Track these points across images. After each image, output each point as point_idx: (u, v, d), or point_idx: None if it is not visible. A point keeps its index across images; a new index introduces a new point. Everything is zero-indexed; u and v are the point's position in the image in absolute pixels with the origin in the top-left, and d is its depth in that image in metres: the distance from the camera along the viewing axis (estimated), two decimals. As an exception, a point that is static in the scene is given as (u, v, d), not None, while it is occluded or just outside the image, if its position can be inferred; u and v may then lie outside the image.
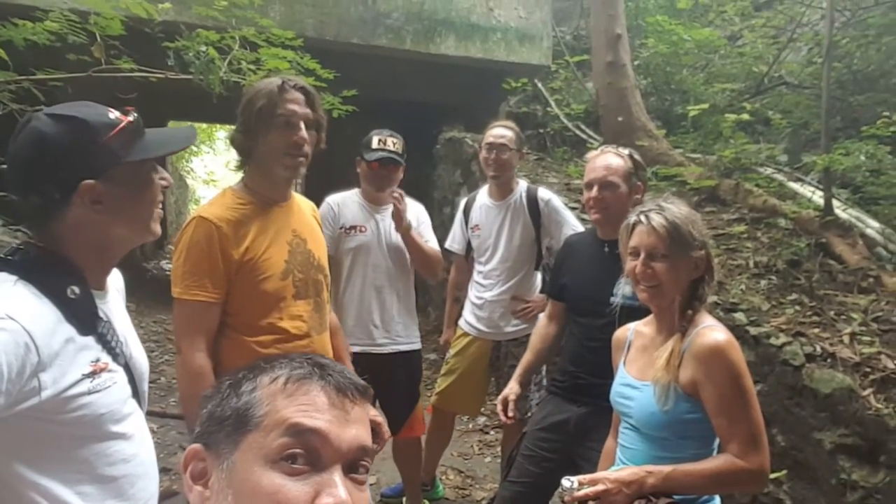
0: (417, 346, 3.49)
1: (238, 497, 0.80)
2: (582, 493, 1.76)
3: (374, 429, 2.43)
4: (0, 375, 1.12)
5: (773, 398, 3.20)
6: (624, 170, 2.58)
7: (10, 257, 1.29)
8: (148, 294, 7.99)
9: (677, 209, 1.95)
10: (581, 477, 1.80)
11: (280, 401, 0.84)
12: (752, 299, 3.65)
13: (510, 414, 2.64)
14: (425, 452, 3.72)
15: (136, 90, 3.39)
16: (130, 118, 1.37)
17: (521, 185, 3.61)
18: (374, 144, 3.28)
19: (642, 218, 1.94)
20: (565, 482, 1.78)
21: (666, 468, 1.79)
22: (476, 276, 3.68)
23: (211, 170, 18.27)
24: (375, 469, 4.09)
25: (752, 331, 3.37)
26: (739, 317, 3.46)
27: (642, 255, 1.92)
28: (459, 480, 4.15)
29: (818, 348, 3.22)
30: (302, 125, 2.11)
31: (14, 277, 1.25)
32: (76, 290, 1.31)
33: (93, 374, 1.29)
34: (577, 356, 2.65)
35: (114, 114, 1.36)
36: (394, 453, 3.63)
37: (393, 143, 3.29)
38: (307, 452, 0.81)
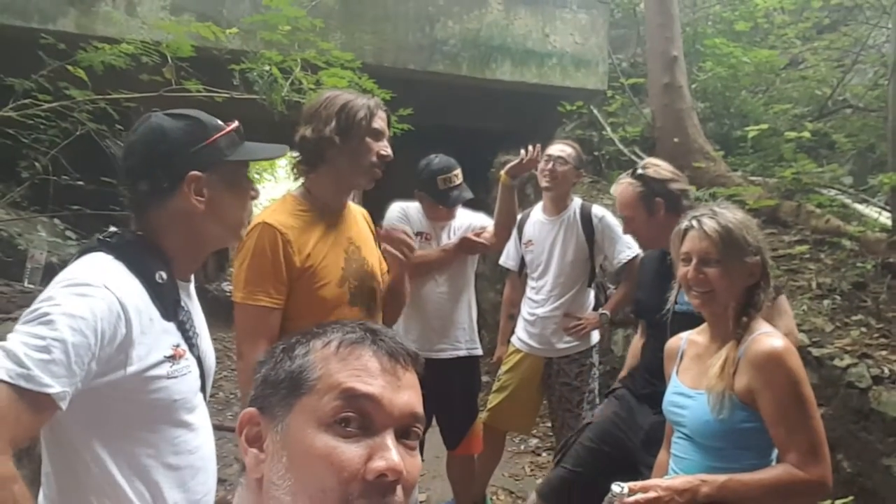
0: (478, 352, 3.48)
1: (292, 458, 0.82)
2: (632, 499, 1.71)
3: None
4: (96, 339, 1.19)
5: (838, 422, 3.08)
6: (633, 198, 2.64)
7: (108, 239, 1.38)
8: (209, 313, 8.11)
9: (731, 214, 1.92)
10: (632, 484, 1.75)
11: (333, 364, 0.85)
12: (814, 320, 3.53)
13: None
14: (476, 470, 3.69)
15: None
16: (234, 125, 1.50)
17: (576, 202, 3.61)
18: (441, 185, 3.29)
19: (694, 223, 1.91)
20: (615, 487, 1.73)
21: (721, 477, 1.74)
22: (529, 293, 3.68)
23: (273, 197, 18.74)
24: (426, 486, 4.08)
25: (815, 352, 3.27)
26: (802, 337, 3.34)
27: (694, 261, 1.89)
28: (510, 501, 4.10)
29: (886, 370, 3.09)
30: (386, 142, 2.23)
31: (110, 256, 1.33)
32: (164, 275, 1.38)
33: (172, 359, 1.35)
34: (652, 366, 2.62)
35: (219, 121, 1.49)
36: (448, 469, 3.62)
37: (456, 175, 3.31)
38: (360, 417, 0.82)
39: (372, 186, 2.27)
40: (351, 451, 0.80)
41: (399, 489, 0.81)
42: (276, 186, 19.46)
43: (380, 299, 2.40)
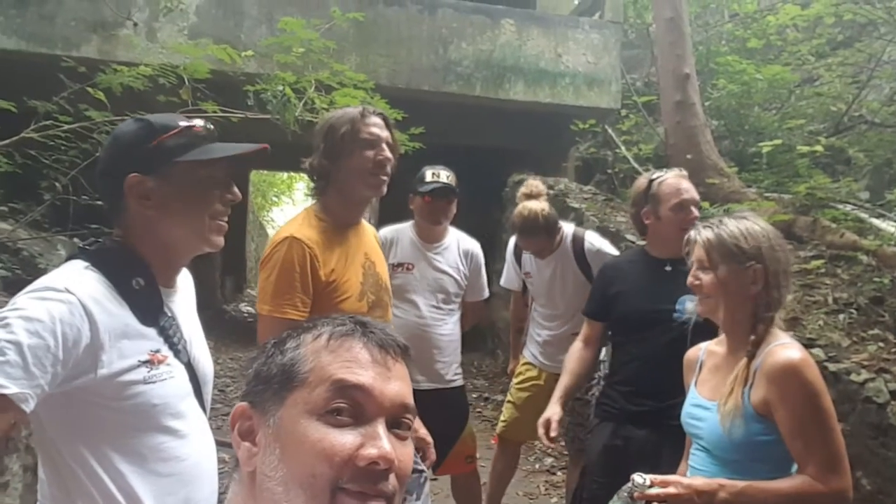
0: (459, 383, 3.38)
1: (285, 449, 0.83)
2: (653, 492, 1.71)
3: (422, 448, 2.46)
4: (55, 341, 1.19)
5: (857, 438, 3.02)
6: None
7: (87, 247, 1.40)
8: (226, 333, 8.35)
9: (735, 223, 1.91)
10: (653, 476, 1.74)
11: (324, 357, 0.86)
12: (830, 335, 3.49)
13: (553, 434, 2.59)
14: (489, 483, 3.67)
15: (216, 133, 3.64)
16: (192, 124, 1.43)
17: (567, 232, 3.51)
18: (428, 178, 3.23)
19: (693, 231, 1.98)
20: (637, 478, 1.72)
21: (740, 483, 1.73)
22: (535, 314, 3.67)
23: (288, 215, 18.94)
24: (440, 506, 4.05)
25: (832, 367, 3.22)
26: (817, 353, 3.30)
27: (693, 267, 1.95)
28: (525, 520, 4.07)
29: (904, 385, 3.04)
30: (384, 146, 2.22)
31: (85, 264, 1.35)
32: (141, 281, 1.38)
33: (149, 363, 1.33)
34: (639, 377, 2.60)
35: (185, 122, 1.43)
36: (453, 490, 3.60)
37: (446, 175, 3.24)
38: (352, 406, 0.83)
39: (378, 194, 2.25)
40: (343, 438, 0.81)
41: (392, 477, 0.82)
42: (294, 208, 19.71)
43: (391, 311, 2.47)
